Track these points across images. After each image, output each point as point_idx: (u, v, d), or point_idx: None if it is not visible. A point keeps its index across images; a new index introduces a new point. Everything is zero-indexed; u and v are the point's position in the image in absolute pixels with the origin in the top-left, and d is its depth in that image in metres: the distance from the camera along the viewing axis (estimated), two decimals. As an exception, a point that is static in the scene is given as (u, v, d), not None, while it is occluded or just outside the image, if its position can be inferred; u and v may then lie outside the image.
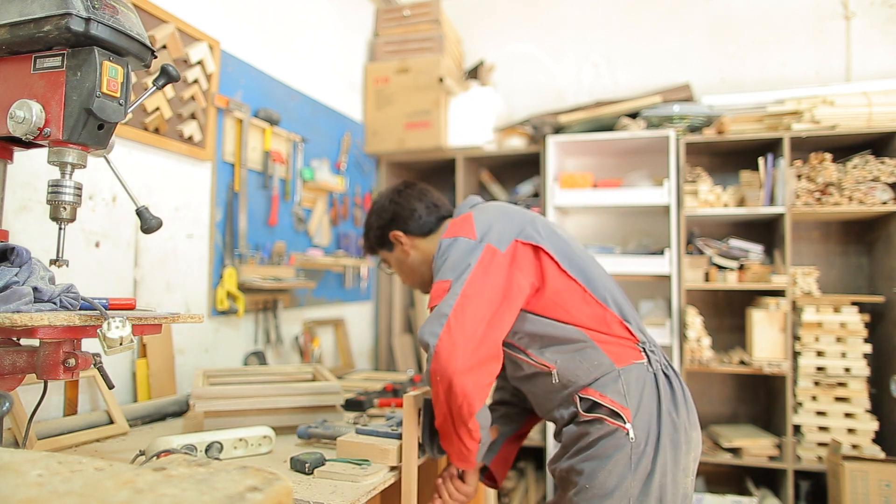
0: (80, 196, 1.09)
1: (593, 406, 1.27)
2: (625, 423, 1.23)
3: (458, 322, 1.18)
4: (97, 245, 1.64)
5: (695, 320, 2.67)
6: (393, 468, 1.26)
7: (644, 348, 1.33)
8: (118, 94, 1.05)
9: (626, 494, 1.21)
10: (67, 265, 1.09)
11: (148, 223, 1.17)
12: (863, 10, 2.95)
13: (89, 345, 1.03)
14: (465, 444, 1.25)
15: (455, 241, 1.31)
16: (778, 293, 2.65)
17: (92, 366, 1.02)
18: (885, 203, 2.53)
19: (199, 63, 1.97)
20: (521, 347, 1.35)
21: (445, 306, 1.20)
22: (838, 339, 2.58)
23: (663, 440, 1.24)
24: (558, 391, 1.32)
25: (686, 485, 1.28)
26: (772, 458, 2.61)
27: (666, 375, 1.33)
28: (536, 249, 1.33)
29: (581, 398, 1.28)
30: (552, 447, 2.83)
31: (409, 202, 1.60)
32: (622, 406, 1.25)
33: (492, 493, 2.31)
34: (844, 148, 2.76)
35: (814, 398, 2.58)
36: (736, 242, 2.78)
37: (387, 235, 1.61)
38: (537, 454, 3.12)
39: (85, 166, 1.08)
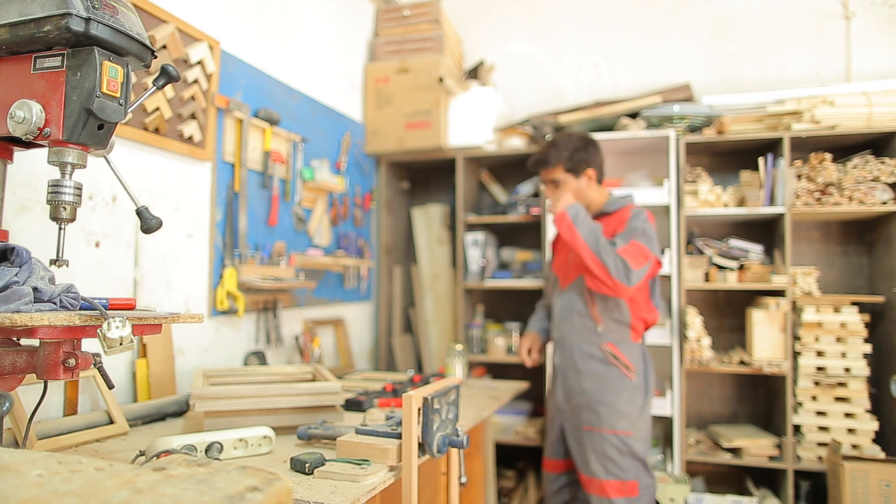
0: (80, 196, 1.09)
1: (614, 357, 2.11)
2: (631, 372, 2.12)
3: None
4: (97, 245, 1.64)
5: (695, 320, 2.67)
6: (393, 468, 1.26)
7: (644, 333, 2.20)
8: (118, 94, 1.05)
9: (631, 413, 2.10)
10: (67, 265, 1.09)
11: (148, 223, 1.17)
12: (863, 10, 2.95)
13: (89, 345, 1.03)
14: (580, 246, 2.01)
15: (652, 230, 2.09)
16: (778, 293, 2.65)
17: (92, 366, 1.02)
18: (885, 203, 2.53)
19: (199, 63, 1.97)
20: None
21: (646, 264, 2.00)
22: (838, 339, 2.57)
23: (648, 386, 2.16)
24: (593, 334, 2.14)
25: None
26: (772, 458, 2.61)
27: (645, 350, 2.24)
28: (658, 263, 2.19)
29: (607, 350, 2.13)
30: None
31: (600, 157, 2.22)
32: (630, 363, 2.13)
33: (492, 493, 2.31)
34: (844, 148, 2.76)
35: (814, 398, 2.58)
36: (736, 242, 2.78)
37: (583, 166, 2.17)
38: (537, 454, 3.12)
39: (85, 166, 1.08)
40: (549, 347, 2.55)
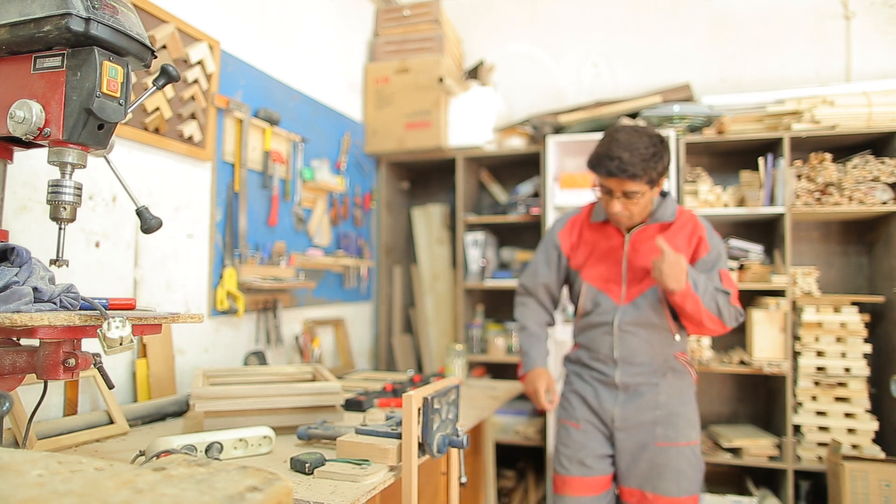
0: (80, 196, 1.09)
1: (690, 365, 1.99)
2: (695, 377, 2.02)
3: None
4: (97, 245, 1.64)
5: (695, 320, 2.67)
6: (393, 468, 1.26)
7: None
8: (118, 94, 1.05)
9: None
10: (67, 265, 1.09)
11: (148, 223, 1.17)
12: (863, 10, 2.95)
13: (89, 345, 1.03)
14: (702, 312, 1.81)
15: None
16: (778, 293, 2.65)
17: (92, 366, 1.02)
18: (885, 203, 2.53)
19: (199, 63, 1.97)
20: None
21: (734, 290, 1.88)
22: (838, 339, 2.57)
23: None
24: (670, 345, 1.94)
25: None
26: (772, 458, 2.61)
27: None
28: None
29: (683, 359, 1.97)
30: (552, 447, 2.83)
31: (670, 157, 1.87)
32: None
33: (492, 493, 2.31)
34: (844, 148, 2.76)
35: (814, 398, 2.58)
36: (736, 242, 2.78)
37: (661, 175, 1.83)
38: (537, 454, 3.12)
39: (85, 166, 1.08)
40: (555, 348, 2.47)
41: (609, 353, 1.93)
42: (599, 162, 1.81)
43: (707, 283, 1.82)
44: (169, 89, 1.85)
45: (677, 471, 1.85)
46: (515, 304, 2.17)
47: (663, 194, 1.97)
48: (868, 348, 2.55)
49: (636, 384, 1.91)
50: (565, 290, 2.13)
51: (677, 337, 1.93)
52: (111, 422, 1.54)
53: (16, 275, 0.96)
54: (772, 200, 2.67)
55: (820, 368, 2.58)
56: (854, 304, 2.58)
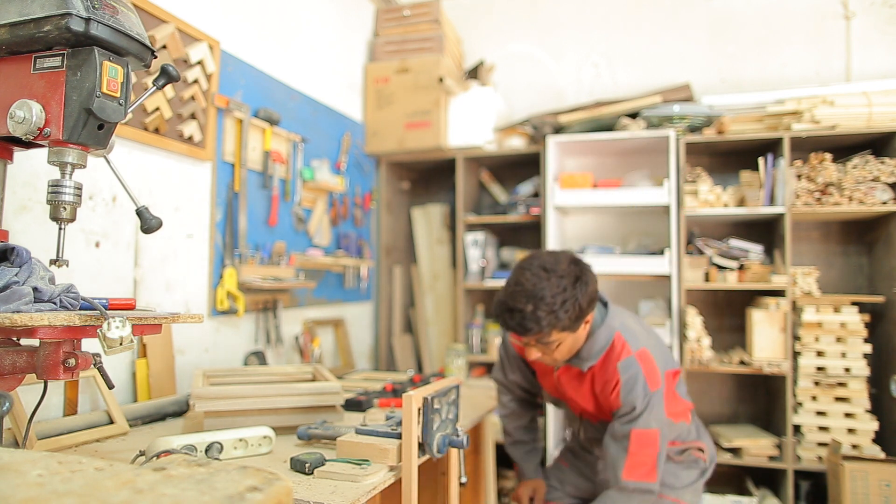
0: (80, 196, 1.09)
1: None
2: None
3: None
4: (97, 245, 1.64)
5: (695, 320, 2.67)
6: (393, 468, 1.26)
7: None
8: (118, 94, 1.05)
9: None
10: (67, 265, 1.09)
11: (148, 223, 1.17)
12: (863, 10, 2.95)
13: (89, 345, 1.03)
14: None
15: (655, 395, 1.60)
16: (778, 293, 2.65)
17: (92, 366, 1.02)
18: (885, 203, 2.53)
19: (199, 63, 1.97)
20: None
21: (660, 461, 1.61)
22: (838, 339, 2.57)
23: None
24: None
25: None
26: (772, 458, 2.60)
27: None
28: (676, 373, 1.77)
29: None
30: (552, 447, 2.83)
31: (595, 286, 1.62)
32: None
33: (492, 493, 2.31)
34: (844, 148, 2.76)
35: (814, 398, 2.58)
36: (736, 242, 2.77)
37: (581, 317, 1.57)
38: (537, 454, 3.12)
39: (85, 166, 1.08)
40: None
41: (587, 443, 1.96)
42: (500, 315, 1.57)
43: None
44: (169, 89, 1.85)
45: None
46: (497, 398, 2.07)
47: (604, 302, 1.72)
48: (868, 348, 2.55)
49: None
50: None
51: None
52: (111, 422, 1.54)
53: (16, 275, 0.96)
54: (772, 200, 2.67)
55: (820, 368, 2.58)
56: (854, 304, 2.58)
